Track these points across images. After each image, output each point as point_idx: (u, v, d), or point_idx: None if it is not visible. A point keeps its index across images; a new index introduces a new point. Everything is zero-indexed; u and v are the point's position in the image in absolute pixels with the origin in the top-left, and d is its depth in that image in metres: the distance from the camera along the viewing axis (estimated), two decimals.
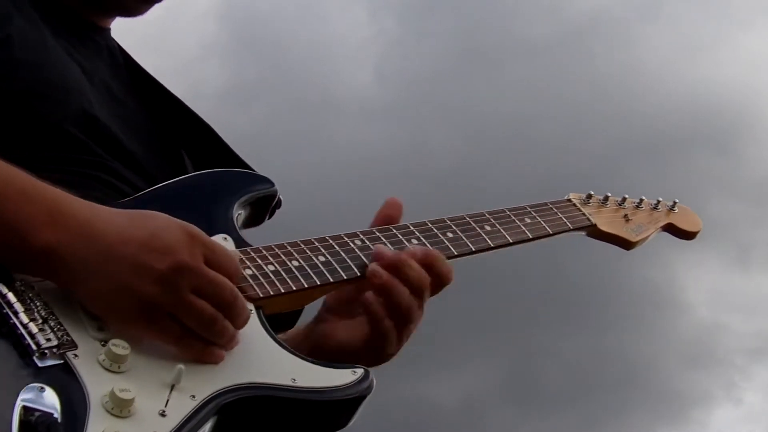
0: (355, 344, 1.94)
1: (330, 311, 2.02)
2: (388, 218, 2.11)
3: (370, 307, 1.90)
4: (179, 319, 1.67)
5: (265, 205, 2.07)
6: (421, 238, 2.08)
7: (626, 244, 2.43)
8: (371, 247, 2.01)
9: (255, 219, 2.07)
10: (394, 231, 2.08)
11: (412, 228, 2.11)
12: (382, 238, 2.05)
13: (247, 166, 2.13)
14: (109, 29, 2.18)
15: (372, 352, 1.93)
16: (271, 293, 1.85)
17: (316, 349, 1.94)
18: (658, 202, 2.54)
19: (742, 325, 11.74)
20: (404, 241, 2.06)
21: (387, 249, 1.98)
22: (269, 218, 2.09)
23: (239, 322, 1.72)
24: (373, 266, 1.93)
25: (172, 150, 2.15)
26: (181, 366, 1.64)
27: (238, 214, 2.00)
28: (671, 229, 2.54)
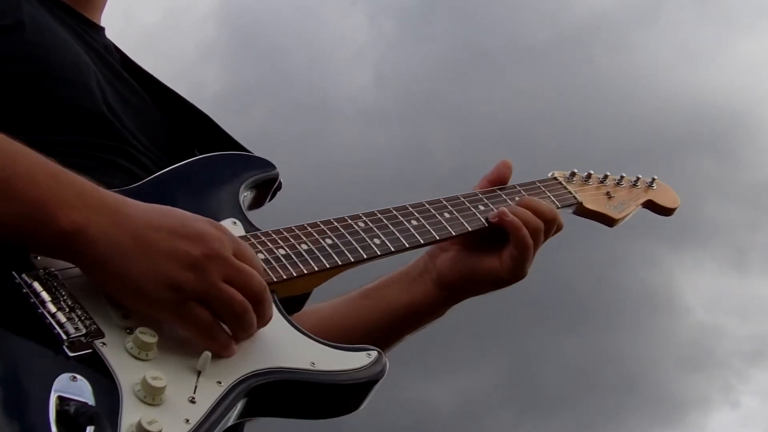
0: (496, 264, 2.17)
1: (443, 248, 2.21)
2: (500, 177, 2.31)
3: (519, 230, 2.14)
4: (210, 305, 1.66)
5: (267, 188, 2.09)
6: (420, 219, 2.14)
7: (610, 221, 2.47)
8: (374, 229, 2.06)
9: (258, 201, 2.09)
10: (395, 213, 2.13)
11: (411, 209, 2.16)
12: (384, 219, 2.09)
13: (247, 151, 2.15)
14: (103, 29, 2.17)
15: (512, 274, 2.18)
16: (285, 277, 1.87)
17: (458, 276, 2.18)
18: (638, 179, 2.58)
19: (740, 328, 11.75)
20: (404, 222, 2.11)
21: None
22: (270, 200, 2.11)
23: (264, 319, 1.73)
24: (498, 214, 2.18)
25: (179, 136, 2.16)
26: (207, 352, 1.65)
27: (244, 196, 2.01)
28: (650, 205, 2.58)
